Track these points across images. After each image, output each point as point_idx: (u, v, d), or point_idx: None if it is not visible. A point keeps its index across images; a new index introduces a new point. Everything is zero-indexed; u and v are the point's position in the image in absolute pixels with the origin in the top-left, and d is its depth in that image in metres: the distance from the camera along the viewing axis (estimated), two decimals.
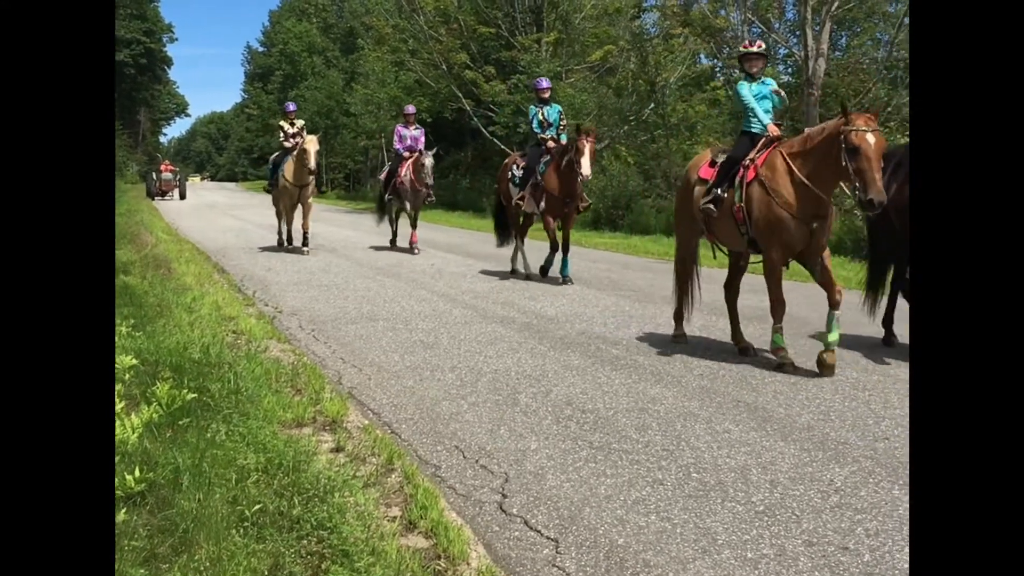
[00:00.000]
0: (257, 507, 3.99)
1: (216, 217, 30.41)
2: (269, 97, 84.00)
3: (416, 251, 17.47)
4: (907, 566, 3.79)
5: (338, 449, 5.22)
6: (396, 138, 18.45)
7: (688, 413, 6.14)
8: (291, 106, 19.42)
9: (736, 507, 4.45)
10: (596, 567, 3.83)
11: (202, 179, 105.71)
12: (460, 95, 34.05)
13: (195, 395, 5.43)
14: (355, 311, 10.37)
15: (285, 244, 18.23)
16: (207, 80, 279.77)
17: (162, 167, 51.22)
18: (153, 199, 45.31)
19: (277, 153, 18.73)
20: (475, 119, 34.16)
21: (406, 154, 17.96)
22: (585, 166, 12.03)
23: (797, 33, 27.25)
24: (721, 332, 8.91)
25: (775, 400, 6.49)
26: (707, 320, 9.70)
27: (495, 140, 33.56)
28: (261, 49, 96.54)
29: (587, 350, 8.22)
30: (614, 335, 8.93)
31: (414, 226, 17.95)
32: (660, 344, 8.49)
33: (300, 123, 18.60)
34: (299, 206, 17.46)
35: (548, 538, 4.11)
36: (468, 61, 33.62)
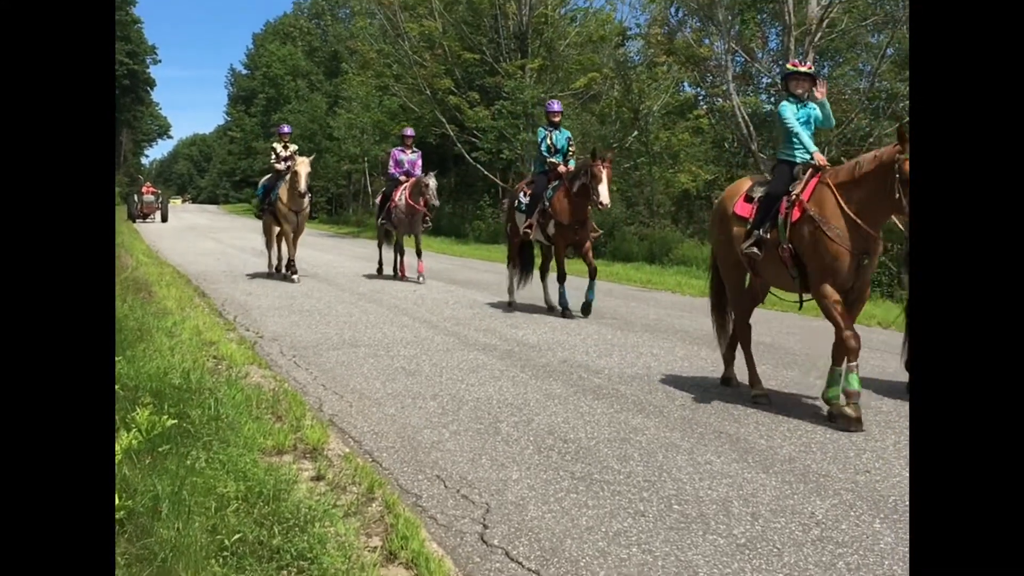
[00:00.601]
0: (237, 536, 3.96)
1: (197, 240, 30.31)
2: (252, 120, 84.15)
3: (421, 280, 16.96)
4: None
5: (319, 477, 5.19)
6: (392, 162, 17.88)
7: (670, 444, 6.13)
8: (286, 128, 18.74)
9: (718, 540, 4.44)
10: None
11: (183, 201, 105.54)
12: (444, 120, 34.21)
13: (175, 421, 5.38)
14: (337, 337, 10.34)
15: (280, 271, 17.49)
16: (190, 102, 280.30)
17: (144, 189, 50.64)
18: (134, 221, 45.08)
19: (267, 176, 18.09)
20: (459, 145, 34.29)
21: (403, 179, 17.45)
22: (603, 194, 11.45)
23: (780, 63, 27.45)
24: (704, 362, 8.92)
25: (757, 431, 6.49)
26: (690, 350, 9.71)
27: (478, 166, 33.75)
28: (245, 72, 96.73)
29: (569, 379, 8.21)
30: (596, 364, 8.92)
31: (419, 254, 17.34)
32: (642, 373, 8.48)
33: (293, 147, 17.95)
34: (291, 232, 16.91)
35: (529, 570, 4.09)
36: (452, 87, 33.83)
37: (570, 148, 13.12)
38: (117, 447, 4.64)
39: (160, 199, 50.10)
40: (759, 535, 4.51)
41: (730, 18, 25.07)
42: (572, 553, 4.26)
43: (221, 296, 14.02)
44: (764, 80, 30.52)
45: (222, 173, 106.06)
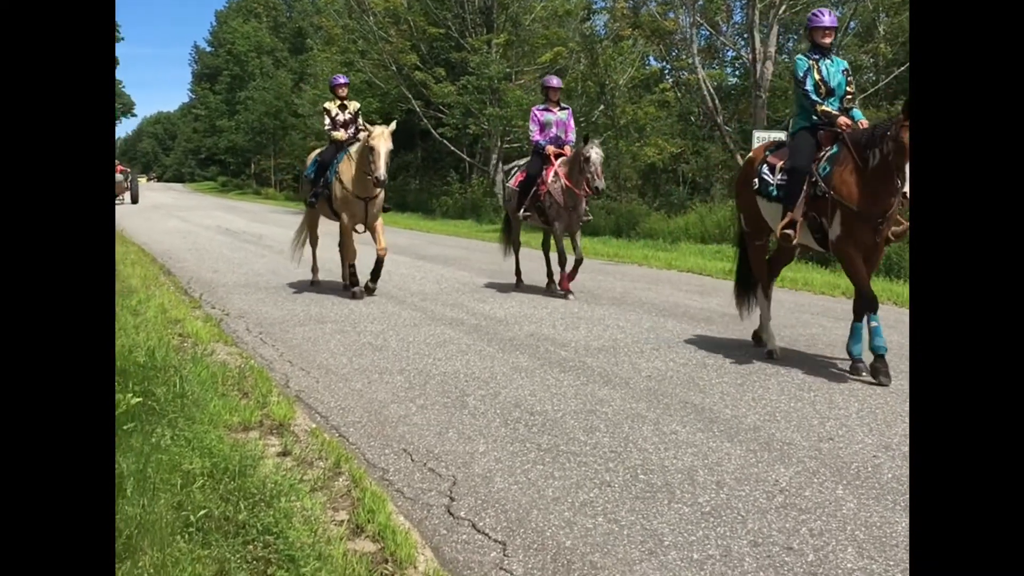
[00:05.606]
0: (202, 512, 3.96)
1: (163, 219, 30.08)
2: (217, 97, 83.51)
3: (570, 297, 11.69)
4: (849, 565, 3.84)
5: (285, 453, 5.19)
6: (535, 126, 12.08)
7: (636, 415, 6.17)
8: (341, 79, 13.36)
9: (683, 508, 4.48)
10: (543, 570, 3.83)
11: (148, 180, 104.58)
12: (410, 96, 34.04)
13: (140, 399, 5.38)
14: (303, 313, 10.31)
15: (336, 280, 12.74)
16: (153, 80, 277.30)
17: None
18: None
19: (321, 150, 13.01)
20: (425, 120, 34.17)
21: (551, 149, 11.88)
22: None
23: (745, 36, 27.50)
24: (670, 333, 8.98)
25: (722, 401, 6.53)
26: (656, 322, 9.75)
27: (445, 141, 33.71)
28: (208, 49, 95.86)
29: (536, 352, 8.23)
30: (563, 337, 8.95)
31: (579, 261, 11.91)
32: (609, 345, 8.51)
33: (355, 105, 12.96)
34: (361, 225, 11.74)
35: (496, 541, 4.11)
36: (418, 62, 33.64)
37: (848, 86, 8.02)
38: None
39: (130, 178, 45.43)
40: (724, 503, 4.55)
41: None
42: (538, 524, 4.29)
43: (187, 274, 13.92)
44: (729, 53, 30.63)
45: (187, 151, 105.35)
